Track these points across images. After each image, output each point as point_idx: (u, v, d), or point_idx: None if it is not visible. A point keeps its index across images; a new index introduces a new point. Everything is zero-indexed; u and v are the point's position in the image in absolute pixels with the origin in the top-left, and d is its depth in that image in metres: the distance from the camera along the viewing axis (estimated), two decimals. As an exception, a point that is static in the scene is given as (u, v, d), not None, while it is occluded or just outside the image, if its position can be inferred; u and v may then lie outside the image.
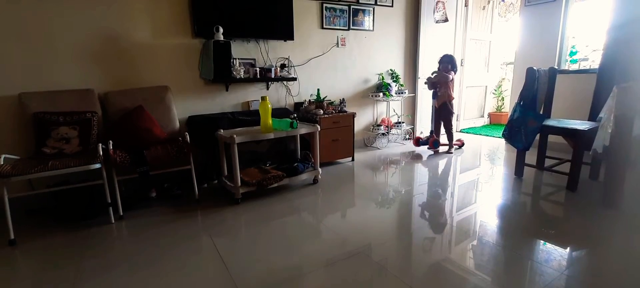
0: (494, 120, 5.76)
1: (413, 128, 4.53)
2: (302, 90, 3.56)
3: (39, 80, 2.45)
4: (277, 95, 3.45)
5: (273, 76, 3.14)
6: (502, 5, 5.78)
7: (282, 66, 3.25)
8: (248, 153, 3.08)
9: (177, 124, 2.84)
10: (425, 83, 3.83)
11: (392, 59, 4.25)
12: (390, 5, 4.07)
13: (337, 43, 3.73)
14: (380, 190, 2.75)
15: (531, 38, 3.86)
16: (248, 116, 3.03)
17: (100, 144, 2.27)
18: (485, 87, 5.50)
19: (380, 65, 4.16)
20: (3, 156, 2.05)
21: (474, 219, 2.19)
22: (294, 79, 3.42)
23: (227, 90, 3.14)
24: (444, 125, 3.85)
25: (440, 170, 3.27)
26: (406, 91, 4.22)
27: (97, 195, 2.35)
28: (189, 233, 2.08)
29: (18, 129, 2.38)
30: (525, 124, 2.69)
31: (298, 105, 3.51)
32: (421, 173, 3.19)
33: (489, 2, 5.18)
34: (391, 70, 4.22)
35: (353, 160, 3.59)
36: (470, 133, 4.98)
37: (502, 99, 5.90)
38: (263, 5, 3.10)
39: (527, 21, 3.86)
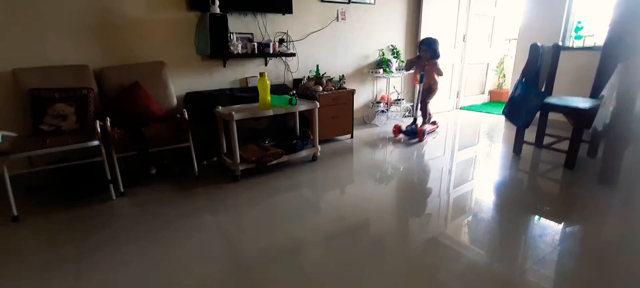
0: (494, 98, 5.71)
1: (413, 105, 4.50)
2: (301, 66, 3.51)
3: (32, 56, 2.40)
4: (276, 71, 3.39)
5: (271, 52, 3.07)
6: (507, -23, 5.59)
7: (281, 41, 3.18)
8: (247, 130, 3.06)
9: (175, 101, 2.81)
10: (405, 64, 3.70)
11: (393, 35, 4.16)
12: (392, -23, 3.94)
13: (337, 17, 3.64)
14: (379, 167, 2.76)
15: (536, 13, 3.76)
16: (246, 93, 3.00)
17: (97, 121, 2.26)
18: (487, 64, 5.42)
19: (381, 41, 4.07)
20: (1, 133, 2.04)
21: (471, 196, 2.22)
22: (293, 55, 3.35)
23: (224, 66, 3.08)
24: (421, 105, 3.67)
25: (439, 148, 3.27)
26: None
27: (98, 172, 2.36)
28: (190, 209, 2.11)
29: (14, 106, 2.35)
30: (527, 102, 2.67)
31: (297, 81, 3.46)
32: (419, 150, 3.20)
33: (494, -26, 5.01)
34: (392, 46, 4.14)
35: (352, 137, 3.59)
36: (470, 110, 4.96)
37: (503, 76, 5.83)
38: (261, -22, 3.00)
39: (533, -5, 3.74)
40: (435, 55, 3.41)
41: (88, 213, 2.09)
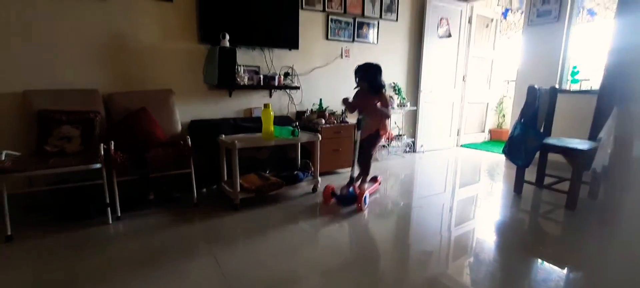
0: (494, 137, 5.77)
1: (414, 141, 4.54)
2: (305, 100, 3.59)
3: (44, 78, 2.48)
4: (279, 103, 3.47)
5: (276, 84, 3.17)
6: (504, 23, 5.86)
7: (286, 75, 3.28)
8: (248, 159, 3.08)
9: (179, 127, 2.85)
10: (343, 103, 2.77)
11: (395, 73, 4.29)
12: (395, 19, 4.13)
13: (341, 54, 3.78)
14: (379, 201, 2.74)
15: (533, 57, 3.90)
16: (250, 123, 3.04)
17: (101, 144, 2.28)
18: (487, 104, 5.53)
19: (384, 78, 4.18)
20: (4, 152, 2.06)
21: (472, 235, 2.19)
22: (297, 88, 3.44)
23: (230, 96, 3.16)
24: (360, 156, 2.70)
25: (440, 184, 3.27)
26: (408, 104, 4.24)
27: (96, 195, 2.35)
28: (186, 237, 2.08)
29: (22, 126, 2.39)
30: (526, 142, 2.70)
31: (300, 114, 3.53)
32: (420, 184, 3.19)
33: (492, 20, 5.25)
34: (394, 83, 4.26)
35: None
36: (471, 148, 4.99)
37: (503, 115, 5.93)
38: (270, 14, 3.15)
39: (530, 40, 3.90)
40: (376, 86, 2.61)
41: (82, 237, 2.06)
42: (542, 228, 2.34)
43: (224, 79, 2.85)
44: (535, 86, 2.71)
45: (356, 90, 2.76)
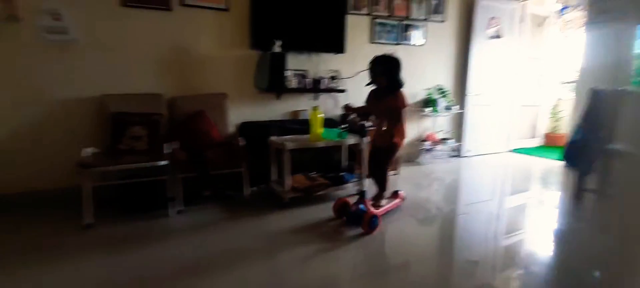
0: (549, 142, 5.41)
1: (460, 145, 4.41)
2: (349, 102, 3.63)
3: (117, 84, 2.76)
4: (324, 106, 3.54)
5: (323, 87, 3.25)
6: (561, 21, 5.48)
7: (332, 78, 3.36)
8: (293, 160, 3.18)
9: (231, 129, 3.03)
10: (344, 110, 2.50)
11: (441, 75, 4.20)
12: (442, 20, 4.05)
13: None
14: (422, 205, 2.71)
15: (596, 57, 3.61)
16: (297, 124, 3.15)
17: (166, 143, 2.50)
18: (541, 107, 5.21)
19: (429, 81, 4.12)
20: (91, 149, 2.33)
21: (523, 246, 2.09)
22: (343, 91, 3.50)
23: (278, 98, 3.30)
24: (374, 170, 2.44)
25: (488, 190, 3.15)
26: (456, 107, 4.13)
27: (158, 190, 2.59)
28: (240, 231, 2.21)
29: (99, 126, 2.68)
30: (587, 147, 2.53)
31: (344, 116, 3.58)
32: (466, 190, 3.10)
33: (546, 18, 4.95)
34: (440, 85, 4.17)
35: (397, 173, 3.58)
36: (523, 153, 4.73)
37: (558, 119, 5.54)
38: (318, 20, 3.25)
39: (593, 39, 3.62)
40: (397, 83, 2.26)
41: (148, 228, 2.26)
42: (605, 241, 2.18)
43: (273, 82, 2.98)
44: (599, 88, 2.53)
45: (369, 89, 2.39)
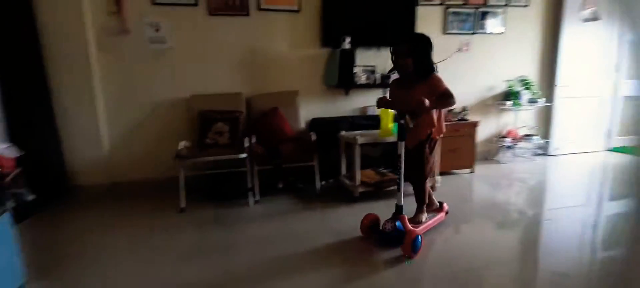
0: (663, 140, 4.54)
1: (547, 142, 3.95)
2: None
3: (203, 85, 3.07)
4: (393, 102, 3.49)
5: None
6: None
7: (402, 72, 3.28)
8: (362, 156, 3.19)
9: (302, 124, 3.16)
10: (380, 106, 2.02)
11: (524, 65, 3.82)
12: (525, 5, 3.68)
13: (461, 48, 3.56)
14: (501, 208, 2.49)
15: None
16: (365, 120, 3.15)
17: (246, 138, 2.71)
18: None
19: (509, 72, 3.78)
20: (183, 142, 2.65)
21: (625, 261, 1.78)
22: (413, 85, 3.40)
23: (347, 94, 3.34)
24: (410, 180, 2.07)
25: (580, 194, 2.78)
26: (542, 100, 3.72)
27: (238, 181, 2.82)
28: (312, 221, 2.30)
29: (189, 123, 3.02)
30: None
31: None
32: (553, 193, 2.77)
33: (662, -8, 4.16)
34: (523, 76, 3.79)
35: (472, 172, 3.36)
36: (626, 153, 4.06)
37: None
38: (387, 14, 3.21)
39: None
40: (426, 66, 1.86)
41: (230, 214, 2.48)
42: None
43: (343, 79, 3.03)
44: None
45: (392, 77, 2.03)
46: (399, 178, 1.84)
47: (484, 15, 3.57)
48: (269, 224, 2.32)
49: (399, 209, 1.86)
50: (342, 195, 2.75)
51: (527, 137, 3.78)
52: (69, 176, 2.88)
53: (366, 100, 3.40)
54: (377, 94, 3.39)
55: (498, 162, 3.77)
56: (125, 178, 3.00)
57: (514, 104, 3.62)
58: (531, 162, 3.75)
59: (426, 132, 1.91)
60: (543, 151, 3.96)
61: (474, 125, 3.26)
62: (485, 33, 3.62)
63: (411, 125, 1.91)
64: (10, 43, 2.48)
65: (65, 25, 2.67)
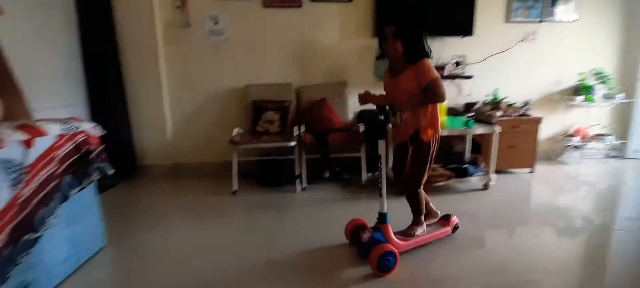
0: None
1: (624, 143, 3.52)
2: (475, 90, 3.32)
3: (257, 75, 3.19)
4: (447, 94, 3.34)
5: (446, 74, 3.06)
6: None
7: (457, 64, 3.13)
8: (411, 149, 3.12)
9: (350, 116, 3.16)
10: (364, 102, 1.73)
11: (599, 56, 3.42)
12: (604, -12, 3.28)
13: (525, 38, 3.29)
14: (563, 213, 2.27)
15: None
16: (416, 113, 3.06)
17: (295, 127, 2.79)
18: None
19: (581, 64, 3.41)
20: (236, 129, 2.80)
21: None
22: (469, 77, 3.22)
23: (397, 87, 3.27)
24: (403, 185, 1.86)
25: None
26: (620, 96, 3.31)
27: (286, 168, 2.91)
28: (356, 211, 2.29)
29: (243, 111, 3.17)
30: None
31: (468, 105, 3.29)
32: (629, 200, 2.46)
33: None
34: (598, 69, 3.40)
35: (532, 171, 3.11)
36: None
37: None
38: (444, 1, 3.07)
39: None
40: (418, 49, 1.59)
41: (278, 198, 2.57)
42: None
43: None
44: None
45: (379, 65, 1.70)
46: (380, 182, 1.63)
47: (554, 1, 3.24)
48: (314, 211, 2.37)
49: (381, 217, 1.64)
50: (389, 188, 2.71)
51: (600, 136, 3.40)
52: (138, 156, 3.19)
53: (417, 93, 3.30)
54: (429, 86, 3.29)
55: (562, 162, 3.44)
56: (185, 160, 3.25)
57: (586, 100, 3.26)
58: (603, 164, 3.37)
59: (415, 126, 1.63)
60: (618, 153, 3.54)
61: (537, 121, 3.01)
62: (554, 21, 3.29)
63: (399, 122, 1.66)
64: (92, 37, 2.80)
65: (137, 20, 2.94)
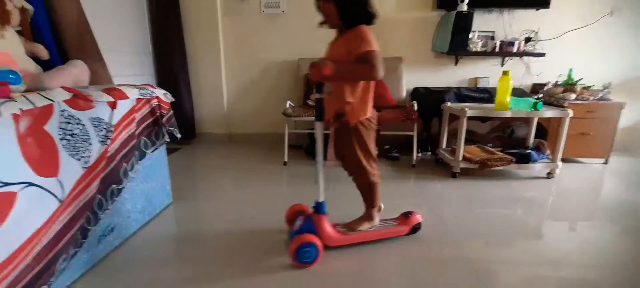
0: None
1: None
2: (546, 69, 3.02)
3: (310, 49, 3.20)
4: (512, 73, 3.08)
5: (515, 51, 2.81)
6: None
7: (528, 40, 2.85)
8: (467, 132, 2.96)
9: (404, 93, 3.06)
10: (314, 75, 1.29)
11: None
12: None
13: (611, 12, 2.88)
14: (635, 211, 2.01)
15: None
16: (474, 92, 2.88)
17: (346, 102, 2.77)
18: None
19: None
20: (288, 102, 2.86)
21: None
22: (541, 55, 2.93)
23: (456, 64, 3.08)
24: (349, 172, 1.57)
25: None
26: None
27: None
28: (403, 190, 2.26)
29: (295, 85, 3.22)
30: None
31: (537, 86, 3.02)
32: None
33: None
34: None
35: (606, 163, 2.81)
36: None
37: None
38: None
39: None
40: (351, 12, 1.32)
41: (327, 172, 2.59)
42: None
43: (456, 45, 2.78)
44: None
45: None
46: (317, 169, 1.45)
47: (654, -33, 2.78)
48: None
49: (317, 206, 1.46)
50: (440, 170, 2.63)
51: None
52: (197, 124, 3.42)
53: (477, 71, 3.09)
54: (492, 63, 3.06)
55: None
56: (240, 130, 3.42)
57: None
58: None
59: (334, 108, 1.38)
60: None
61: (618, 107, 2.68)
62: (652, -9, 2.84)
63: (321, 96, 1.35)
64: (159, 12, 2.98)
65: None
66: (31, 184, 0.98)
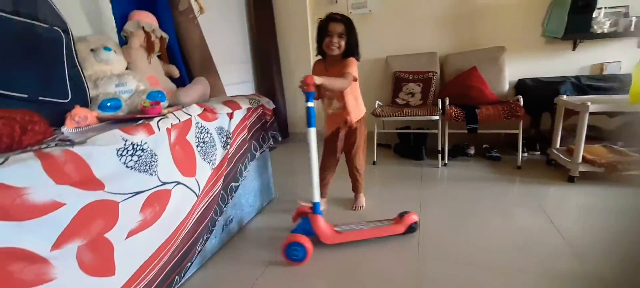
0: None
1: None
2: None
3: (400, 46, 3.14)
4: (652, 56, 2.53)
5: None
6: None
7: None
8: (589, 128, 2.53)
9: (506, 87, 2.79)
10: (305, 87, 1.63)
11: None
12: None
13: None
14: None
15: None
16: (600, 82, 2.46)
17: (440, 99, 2.65)
18: None
19: None
20: (377, 102, 2.87)
21: None
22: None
23: (574, 49, 2.66)
24: (349, 166, 2.06)
25: None
26: None
27: (425, 142, 2.84)
28: (507, 195, 2.05)
29: (384, 83, 3.21)
30: None
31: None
32: None
33: None
34: None
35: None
36: None
37: None
38: None
39: None
40: (356, 50, 1.81)
41: (417, 172, 2.54)
42: None
43: (574, 27, 2.40)
44: None
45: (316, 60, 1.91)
46: (312, 172, 1.67)
47: None
48: (457, 188, 2.24)
49: (314, 207, 1.62)
50: (552, 172, 2.33)
51: None
52: (289, 125, 3.69)
53: (603, 55, 2.61)
54: (623, 46, 2.55)
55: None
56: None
57: None
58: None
59: (343, 118, 1.88)
60: None
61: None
62: None
63: (330, 111, 1.91)
64: (257, 25, 3.31)
65: (292, 3, 3.29)
66: (179, 183, 1.23)
